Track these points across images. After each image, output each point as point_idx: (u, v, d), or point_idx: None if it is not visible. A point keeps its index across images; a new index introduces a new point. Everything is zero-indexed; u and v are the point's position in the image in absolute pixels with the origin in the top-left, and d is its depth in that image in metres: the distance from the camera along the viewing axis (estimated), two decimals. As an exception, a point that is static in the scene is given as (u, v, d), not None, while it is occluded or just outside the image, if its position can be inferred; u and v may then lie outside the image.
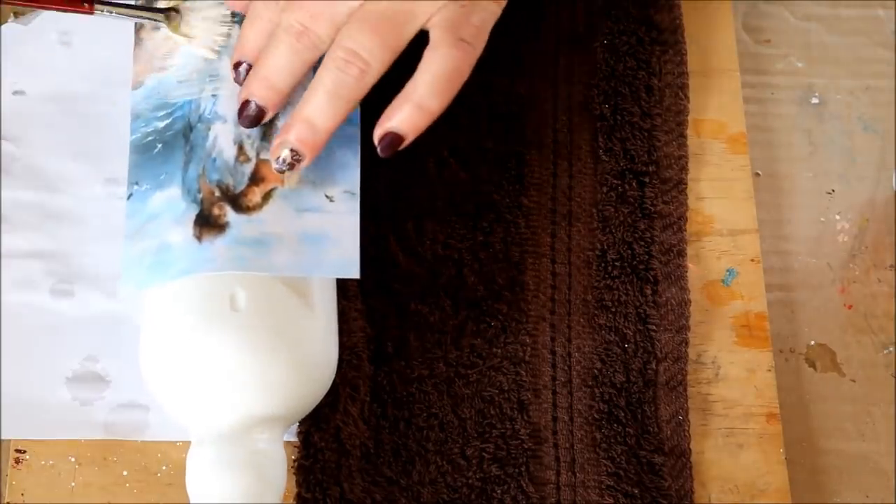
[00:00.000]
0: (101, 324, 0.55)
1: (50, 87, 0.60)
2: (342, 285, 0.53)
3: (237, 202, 0.48)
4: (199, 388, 0.47)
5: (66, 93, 0.59)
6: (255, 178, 0.49)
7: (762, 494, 0.54)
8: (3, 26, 0.60)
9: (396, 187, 0.58)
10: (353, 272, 0.49)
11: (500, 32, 0.62)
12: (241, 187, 0.48)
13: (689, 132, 0.61)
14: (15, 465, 0.52)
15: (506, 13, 0.61)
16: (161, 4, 0.52)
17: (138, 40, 0.53)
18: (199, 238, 0.47)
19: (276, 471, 0.47)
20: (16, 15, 0.60)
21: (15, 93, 0.59)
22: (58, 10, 0.50)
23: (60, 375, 0.54)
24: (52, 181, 0.58)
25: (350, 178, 0.51)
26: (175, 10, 0.52)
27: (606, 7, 0.63)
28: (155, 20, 0.52)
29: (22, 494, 0.52)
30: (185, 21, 0.52)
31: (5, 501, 0.52)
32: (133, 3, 0.53)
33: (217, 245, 0.47)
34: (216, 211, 0.48)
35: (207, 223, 0.47)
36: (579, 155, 0.60)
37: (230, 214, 0.48)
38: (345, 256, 0.49)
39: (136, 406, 0.54)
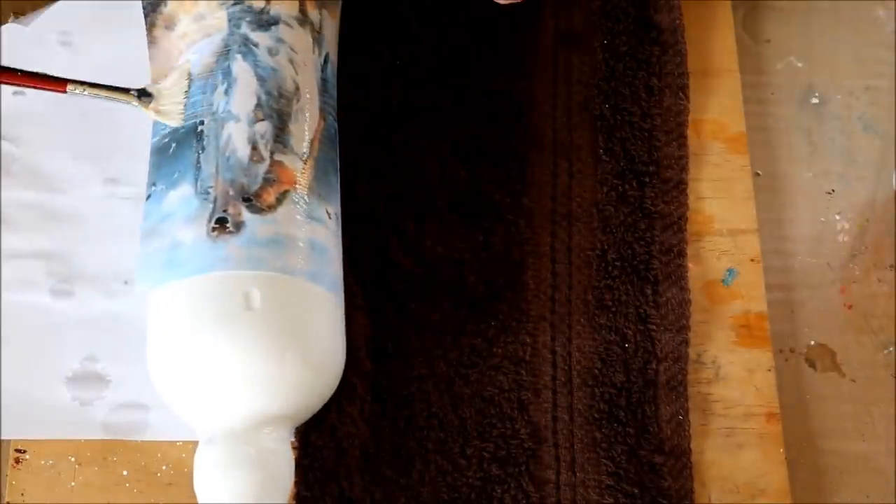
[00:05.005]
0: (102, 324, 0.55)
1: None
2: None
3: (252, 202, 0.48)
4: (211, 386, 0.46)
5: (67, 93, 0.60)
6: (269, 179, 0.49)
7: (762, 494, 0.54)
8: (3, 26, 0.60)
9: (397, 187, 0.58)
10: (340, 294, 0.50)
11: (501, 32, 0.62)
12: (256, 187, 0.48)
13: (690, 132, 0.61)
14: (15, 465, 0.52)
15: (506, 13, 0.62)
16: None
17: (152, 39, 0.53)
18: (213, 237, 0.47)
19: (284, 470, 0.47)
20: (16, 15, 0.60)
21: (15, 93, 0.59)
22: (34, 87, 0.51)
23: (61, 375, 0.54)
24: (51, 181, 0.58)
25: (336, 202, 0.52)
26: (147, 92, 0.52)
27: (606, 7, 0.63)
28: (128, 101, 0.52)
29: (22, 494, 0.52)
30: (157, 101, 0.52)
31: (5, 501, 0.52)
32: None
33: (231, 244, 0.47)
34: (231, 210, 0.48)
35: (222, 222, 0.48)
36: (579, 155, 0.60)
37: (245, 214, 0.48)
38: (338, 276, 0.50)
39: (137, 406, 0.54)
